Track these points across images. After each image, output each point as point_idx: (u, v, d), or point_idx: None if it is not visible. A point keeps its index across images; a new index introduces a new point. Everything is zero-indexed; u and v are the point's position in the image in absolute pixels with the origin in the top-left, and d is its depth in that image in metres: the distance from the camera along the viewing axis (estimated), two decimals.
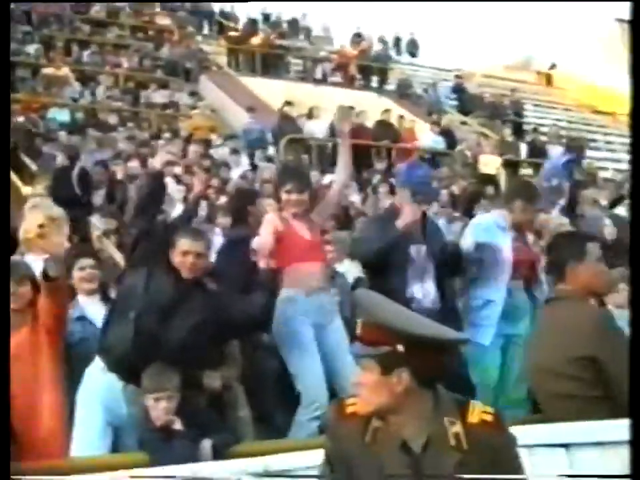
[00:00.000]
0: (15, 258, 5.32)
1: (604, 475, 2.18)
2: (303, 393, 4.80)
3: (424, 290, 5.26)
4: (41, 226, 4.99)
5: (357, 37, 23.38)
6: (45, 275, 4.02)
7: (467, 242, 5.45)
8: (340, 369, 4.91)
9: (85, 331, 4.88)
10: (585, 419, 3.22)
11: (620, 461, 2.79)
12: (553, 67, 28.79)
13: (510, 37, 48.56)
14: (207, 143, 15.12)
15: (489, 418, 2.45)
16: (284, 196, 5.19)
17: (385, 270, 5.27)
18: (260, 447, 3.90)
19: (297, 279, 4.94)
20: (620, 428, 2.94)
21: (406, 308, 2.59)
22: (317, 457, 2.69)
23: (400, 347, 2.35)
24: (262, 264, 4.69)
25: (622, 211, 10.20)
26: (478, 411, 2.46)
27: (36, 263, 4.89)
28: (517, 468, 2.48)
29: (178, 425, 4.02)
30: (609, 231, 8.06)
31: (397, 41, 25.42)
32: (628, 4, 4.50)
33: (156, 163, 5.69)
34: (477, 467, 2.37)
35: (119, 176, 11.22)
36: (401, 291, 5.15)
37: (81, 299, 5.11)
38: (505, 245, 5.35)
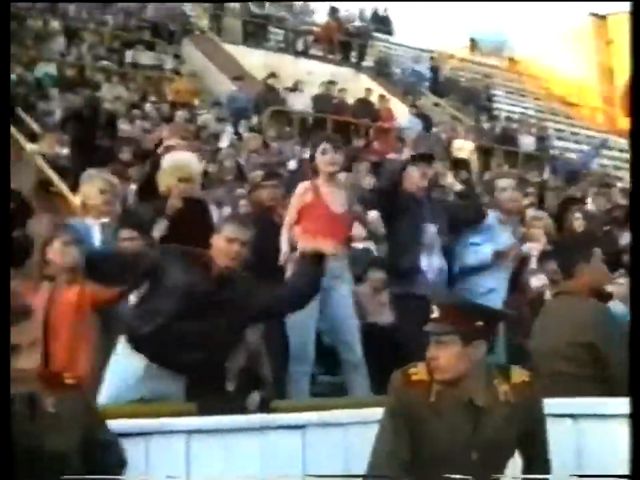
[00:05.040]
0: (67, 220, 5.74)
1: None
2: (292, 347, 5.31)
3: (430, 264, 5.78)
4: (102, 192, 5.44)
5: (334, 11, 23.50)
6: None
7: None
8: (340, 330, 5.45)
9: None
10: (581, 395, 3.79)
11: (620, 432, 3.37)
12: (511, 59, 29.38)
13: (486, 20, 49.03)
14: (191, 108, 15.45)
15: (527, 378, 3.11)
16: (319, 157, 5.43)
17: (398, 244, 5.77)
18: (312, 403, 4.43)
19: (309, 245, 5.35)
20: (616, 404, 3.51)
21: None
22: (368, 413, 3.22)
23: (479, 323, 2.96)
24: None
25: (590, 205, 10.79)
26: (518, 373, 3.12)
27: (94, 226, 5.36)
28: (544, 423, 3.15)
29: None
30: (579, 224, 8.57)
31: (375, 17, 25.66)
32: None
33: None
34: (520, 419, 3.03)
35: None
36: (412, 263, 5.69)
37: None
38: (503, 239, 5.89)
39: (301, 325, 5.29)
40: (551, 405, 3.55)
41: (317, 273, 4.57)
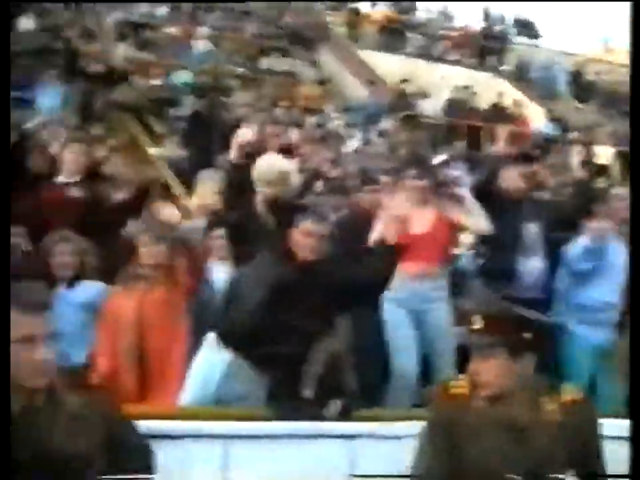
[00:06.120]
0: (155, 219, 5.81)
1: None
2: (395, 365, 5.22)
3: (528, 266, 5.54)
4: (216, 193, 5.47)
5: (484, 15, 23.05)
6: (185, 240, 4.51)
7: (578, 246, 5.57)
8: (438, 349, 5.30)
9: (209, 294, 5.33)
10: None
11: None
12: None
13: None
14: (322, 114, 15.54)
15: (578, 397, 2.86)
16: (406, 182, 5.42)
17: (494, 245, 5.56)
18: (368, 413, 4.28)
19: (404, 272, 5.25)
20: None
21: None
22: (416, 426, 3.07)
23: (527, 334, 2.76)
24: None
25: None
26: (569, 391, 2.87)
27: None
28: (599, 446, 2.88)
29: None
30: None
31: (517, 21, 25.03)
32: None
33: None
34: (570, 440, 2.78)
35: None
36: (510, 266, 5.47)
37: (213, 263, 5.60)
38: (618, 250, 5.52)
39: (403, 343, 5.23)
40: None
41: (388, 255, 4.50)
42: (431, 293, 5.32)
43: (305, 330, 4.43)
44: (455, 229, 5.58)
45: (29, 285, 2.59)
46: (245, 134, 5.26)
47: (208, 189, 6.07)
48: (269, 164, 5.56)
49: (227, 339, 4.49)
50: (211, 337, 4.55)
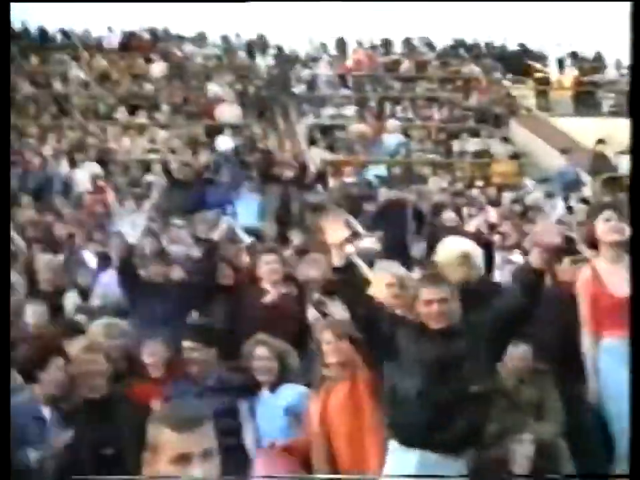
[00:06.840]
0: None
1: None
2: (617, 441, 4.70)
3: None
4: (389, 285, 5.34)
5: None
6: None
7: None
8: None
9: None
10: None
11: None
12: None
13: None
14: (518, 189, 15.25)
15: None
16: (601, 226, 5.05)
17: None
18: None
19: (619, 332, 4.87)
20: None
21: None
22: None
23: None
24: None
25: None
26: None
27: None
28: None
29: None
30: None
31: None
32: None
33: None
34: None
35: None
36: None
37: None
38: None
39: (622, 419, 4.80)
40: None
41: (533, 285, 4.25)
42: (618, 355, 4.85)
43: (478, 396, 4.19)
44: None
45: (182, 403, 2.53)
46: (338, 232, 4.48)
47: (381, 281, 5.92)
48: (451, 247, 5.42)
49: (407, 441, 4.27)
50: (393, 443, 4.36)
